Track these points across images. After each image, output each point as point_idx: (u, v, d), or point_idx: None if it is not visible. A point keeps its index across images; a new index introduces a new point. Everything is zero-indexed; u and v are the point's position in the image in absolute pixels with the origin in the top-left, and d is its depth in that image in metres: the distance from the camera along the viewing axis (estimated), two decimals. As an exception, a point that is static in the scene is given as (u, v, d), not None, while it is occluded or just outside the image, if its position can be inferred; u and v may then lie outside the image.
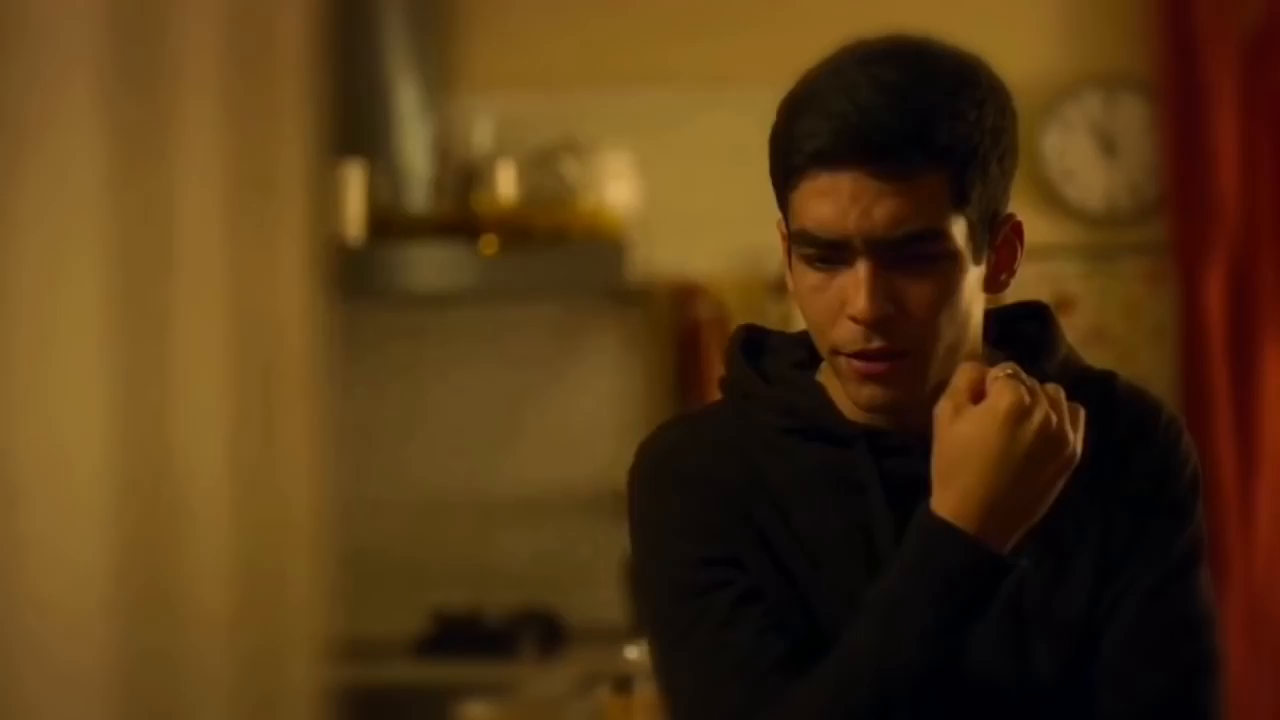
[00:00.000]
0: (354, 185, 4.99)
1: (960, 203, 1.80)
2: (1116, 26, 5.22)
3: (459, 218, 5.01)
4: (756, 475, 1.90)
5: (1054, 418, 1.78)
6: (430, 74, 5.27)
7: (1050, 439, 1.77)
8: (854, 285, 1.80)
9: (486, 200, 4.99)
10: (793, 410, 1.91)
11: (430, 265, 4.97)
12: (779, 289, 5.00)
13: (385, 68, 5.24)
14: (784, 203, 1.84)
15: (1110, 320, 5.20)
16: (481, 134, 5.15)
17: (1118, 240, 5.23)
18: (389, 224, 5.03)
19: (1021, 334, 1.96)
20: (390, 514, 5.29)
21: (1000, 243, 1.87)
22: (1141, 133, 5.19)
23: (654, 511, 1.92)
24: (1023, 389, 1.78)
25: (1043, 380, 1.89)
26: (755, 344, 1.99)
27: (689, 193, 5.11)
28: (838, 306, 1.82)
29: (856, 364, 1.82)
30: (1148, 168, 5.19)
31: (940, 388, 1.85)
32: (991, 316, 1.98)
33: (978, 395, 1.79)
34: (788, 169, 1.82)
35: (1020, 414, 1.76)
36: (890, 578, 1.78)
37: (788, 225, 1.85)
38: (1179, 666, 1.86)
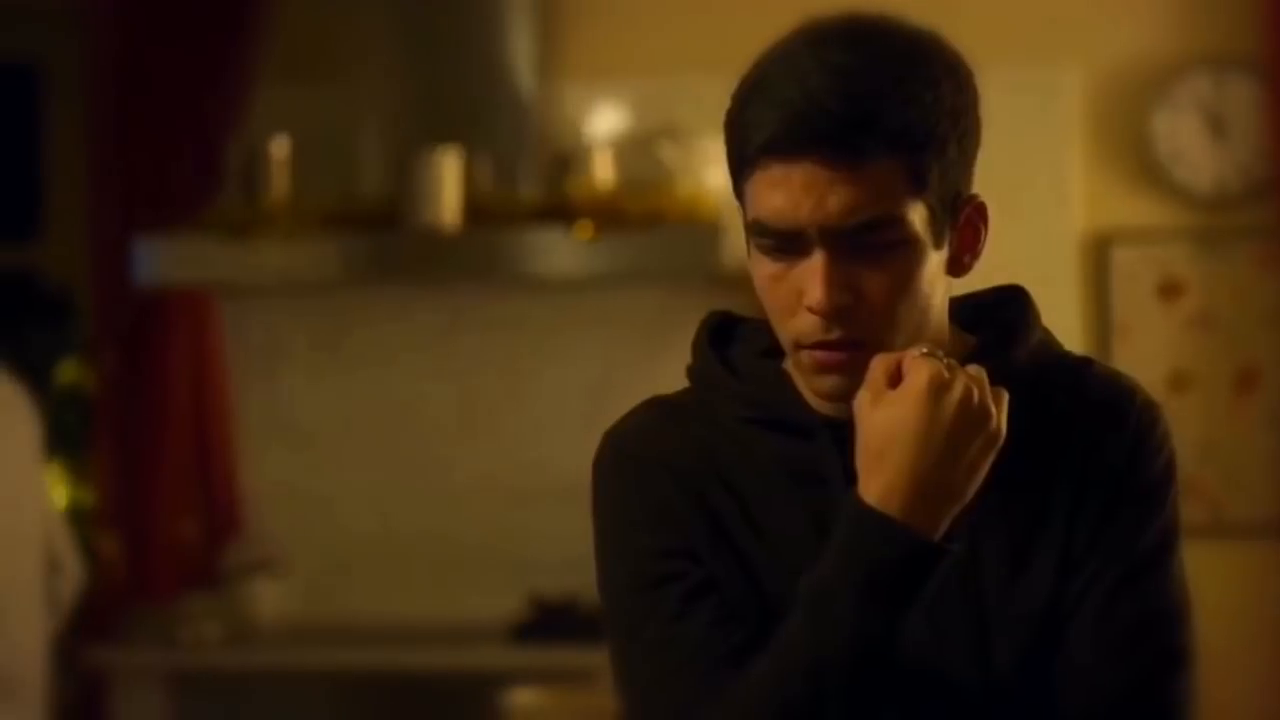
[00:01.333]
0: (450, 171, 5.00)
1: (917, 188, 1.76)
2: (1226, 6, 5.11)
3: (556, 203, 5.00)
4: (718, 464, 1.87)
5: (975, 391, 1.74)
6: (532, 60, 5.27)
7: (972, 412, 1.73)
8: (811, 275, 1.76)
9: (583, 185, 4.98)
10: (755, 401, 1.88)
11: (527, 250, 4.97)
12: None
13: (488, 54, 5.25)
14: (739, 191, 1.81)
15: (1219, 305, 5.09)
16: (580, 119, 5.14)
17: (1228, 223, 5.11)
18: (487, 209, 5.04)
19: (996, 318, 1.92)
20: (490, 498, 5.31)
21: (963, 224, 1.83)
22: (1251, 113, 5.08)
23: (613, 500, 1.91)
24: (940, 364, 1.74)
25: (1015, 365, 1.86)
26: (725, 331, 1.96)
27: (787, 177, 5.06)
28: (796, 297, 1.78)
29: (817, 354, 1.79)
30: (1258, 149, 5.07)
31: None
32: (966, 300, 1.94)
33: (895, 382, 1.75)
34: (740, 158, 1.79)
35: (940, 386, 1.73)
36: (820, 568, 1.74)
37: (744, 214, 1.82)
38: (1144, 661, 1.81)
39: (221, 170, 5.22)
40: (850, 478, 1.82)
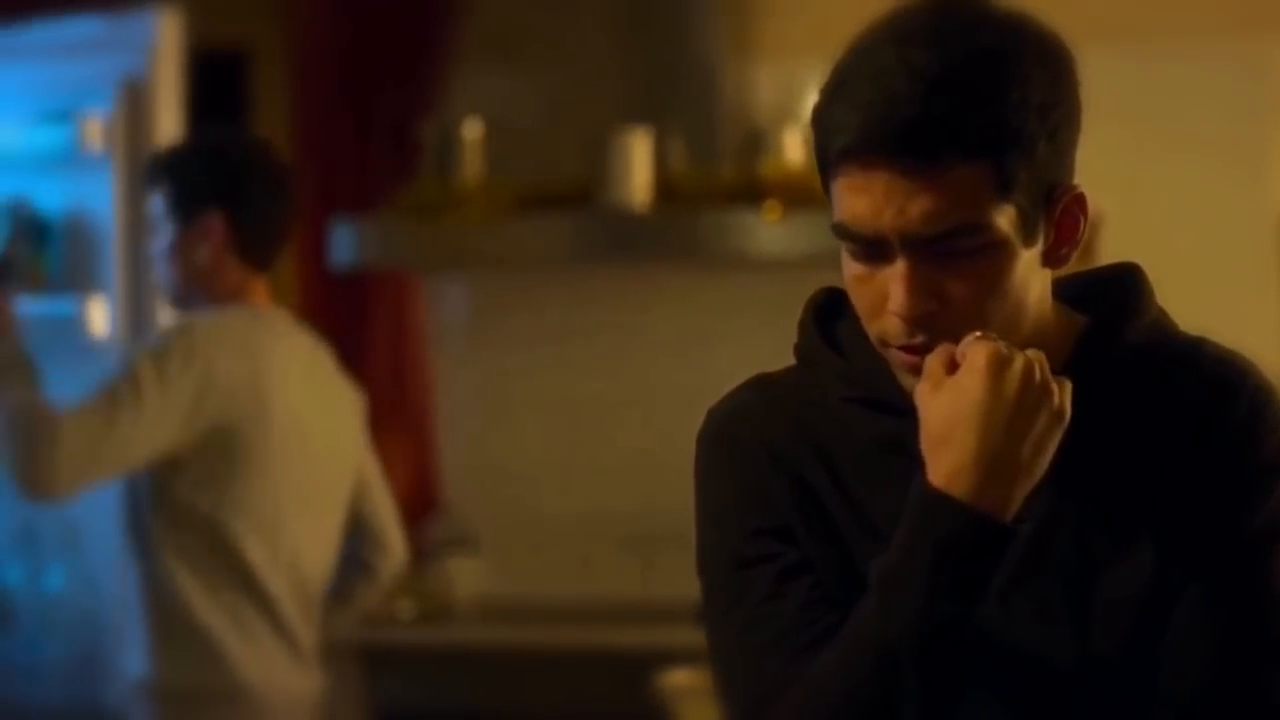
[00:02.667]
0: (641, 151, 5.01)
1: (1004, 190, 1.71)
2: None
3: (747, 183, 4.99)
4: (817, 443, 1.85)
5: (1036, 368, 1.71)
6: (726, 39, 5.26)
7: (1035, 388, 1.71)
8: (894, 281, 1.74)
9: (773, 165, 4.96)
10: (854, 379, 1.86)
11: (715, 231, 4.97)
12: (1080, 252, 4.88)
13: (682, 34, 5.26)
14: (826, 189, 1.79)
15: None
16: (772, 98, 5.13)
17: None
18: (679, 189, 5.04)
19: (1108, 296, 1.88)
20: (685, 477, 5.30)
21: (1060, 217, 1.78)
22: None
23: (711, 479, 1.91)
24: (999, 344, 1.71)
25: (1126, 344, 1.82)
26: (833, 308, 1.94)
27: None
28: (881, 299, 1.76)
29: (903, 356, 1.78)
30: None
31: None
32: (1078, 278, 1.90)
33: (952, 370, 1.73)
34: (823, 160, 1.76)
35: (1000, 363, 1.70)
36: (890, 551, 1.73)
37: (832, 212, 1.80)
38: (1246, 648, 1.76)
39: (417, 152, 5.27)
40: None
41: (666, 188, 5.04)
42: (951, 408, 1.71)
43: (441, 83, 5.38)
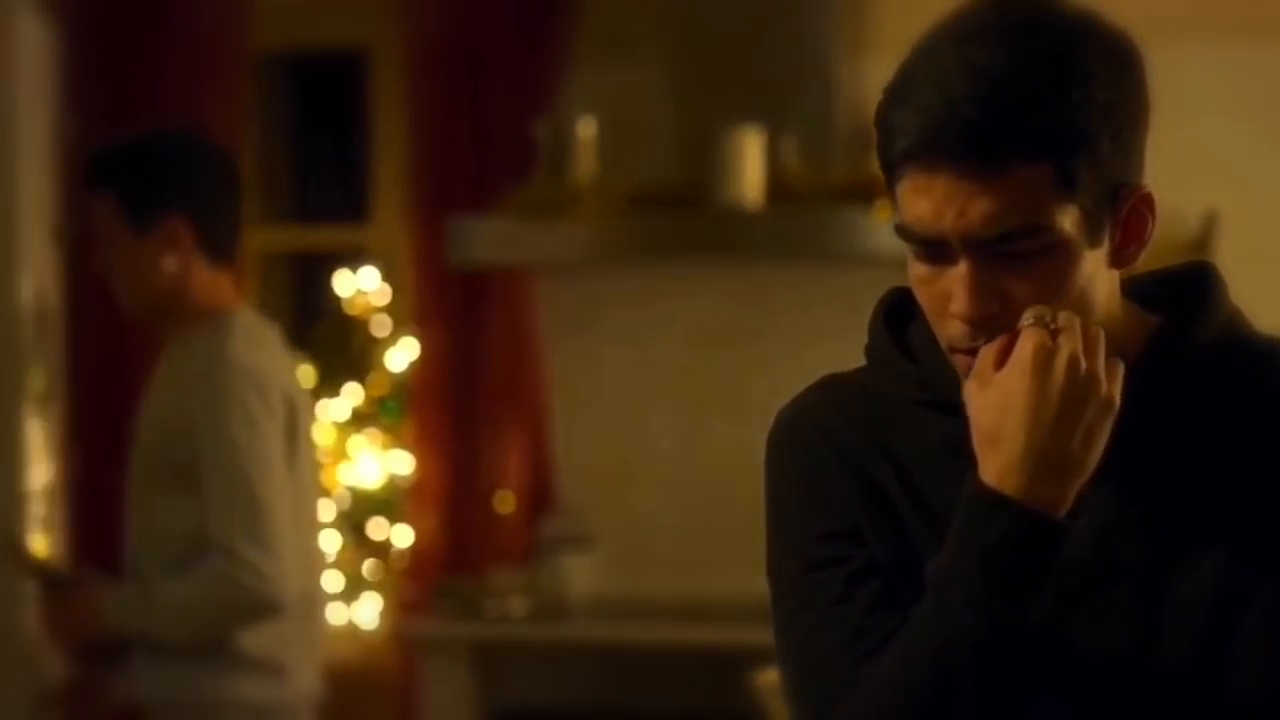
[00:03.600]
0: (753, 149, 5.01)
1: (1066, 191, 1.70)
2: None
3: (859, 181, 4.98)
4: (885, 444, 1.85)
5: (1082, 360, 1.70)
6: (840, 36, 5.25)
7: (1081, 379, 1.69)
8: (957, 283, 1.73)
9: (884, 164, 4.93)
10: (922, 380, 1.86)
11: (825, 229, 4.97)
12: (1195, 248, 4.86)
13: (796, 31, 5.25)
14: (890, 190, 1.78)
15: None
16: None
17: None
18: (791, 187, 5.04)
19: (1181, 295, 1.86)
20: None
21: (1127, 216, 1.76)
22: None
23: (781, 480, 1.90)
24: (1044, 332, 1.70)
25: (1197, 345, 1.80)
26: (903, 309, 1.93)
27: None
28: (945, 301, 1.75)
29: (968, 359, 1.76)
30: None
31: None
32: (1151, 276, 1.89)
33: (1001, 365, 1.72)
34: (886, 162, 1.76)
35: (1046, 355, 1.69)
36: (944, 552, 1.72)
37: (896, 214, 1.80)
38: None
39: (532, 151, 5.29)
40: None
41: (779, 186, 5.04)
42: (998, 405, 1.70)
43: (555, 82, 5.40)
